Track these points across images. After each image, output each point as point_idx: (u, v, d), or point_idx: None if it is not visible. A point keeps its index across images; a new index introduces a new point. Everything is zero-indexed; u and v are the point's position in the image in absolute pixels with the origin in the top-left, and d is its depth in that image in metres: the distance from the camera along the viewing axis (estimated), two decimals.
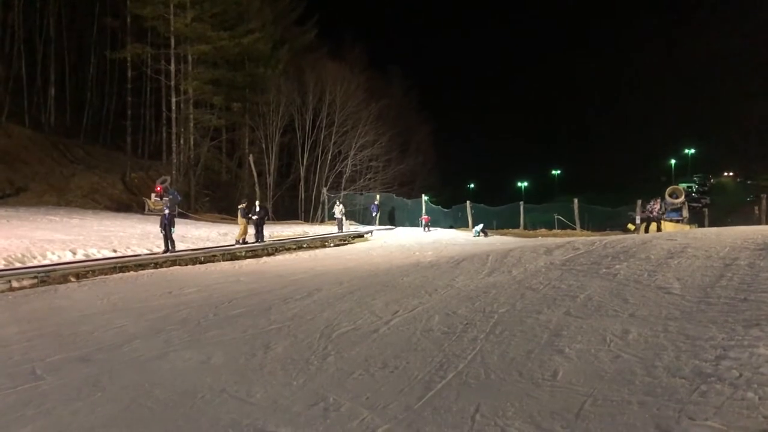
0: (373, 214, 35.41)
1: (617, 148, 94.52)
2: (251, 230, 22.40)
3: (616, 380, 4.37)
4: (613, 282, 8.09)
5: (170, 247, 18.13)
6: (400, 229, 32.04)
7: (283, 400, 4.72)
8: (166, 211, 18.55)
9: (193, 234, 22.89)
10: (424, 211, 34.89)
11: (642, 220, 24.29)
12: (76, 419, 4.66)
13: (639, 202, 28.63)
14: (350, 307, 8.45)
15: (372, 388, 4.81)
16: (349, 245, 24.22)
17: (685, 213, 26.73)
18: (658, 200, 23.40)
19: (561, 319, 6.36)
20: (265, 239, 22.42)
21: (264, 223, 22.95)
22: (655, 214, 22.82)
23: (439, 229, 32.49)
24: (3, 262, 14.90)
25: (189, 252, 18.45)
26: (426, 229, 31.32)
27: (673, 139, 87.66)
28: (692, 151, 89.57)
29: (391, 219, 36.42)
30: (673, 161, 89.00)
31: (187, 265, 17.22)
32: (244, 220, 22.05)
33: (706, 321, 5.57)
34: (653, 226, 22.63)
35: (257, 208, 22.63)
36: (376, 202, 36.00)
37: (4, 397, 5.24)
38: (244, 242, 21.29)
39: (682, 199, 26.97)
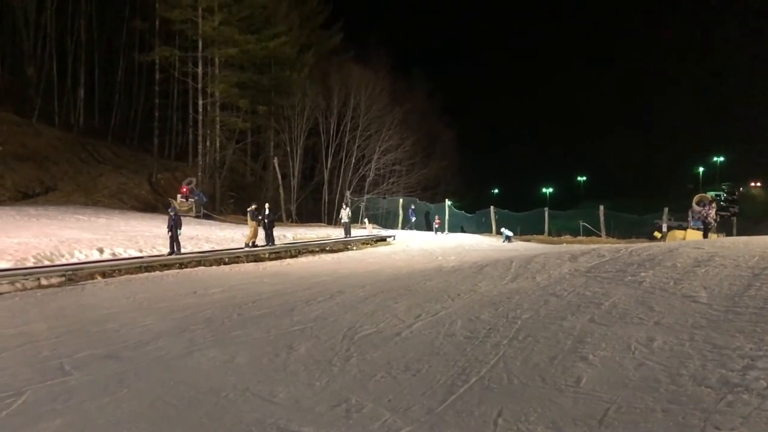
0: (412, 220, 34.46)
1: (644, 155, 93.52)
2: (261, 233, 21.91)
3: (640, 388, 4.34)
4: (639, 290, 8.00)
5: (176, 249, 17.96)
6: (423, 233, 31.93)
7: (305, 401, 4.75)
8: (172, 213, 18.35)
9: (218, 235, 23.09)
10: (447, 214, 34.83)
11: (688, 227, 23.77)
12: (103, 414, 4.74)
13: (666, 209, 28.29)
14: (373, 310, 8.47)
15: (394, 391, 4.82)
16: (371, 248, 24.25)
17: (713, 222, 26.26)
18: (713, 204, 22.87)
19: (585, 326, 6.31)
20: (275, 242, 22.00)
21: (274, 226, 22.58)
22: (709, 219, 22.37)
23: (461, 233, 32.38)
24: (32, 260, 15.17)
25: (195, 255, 18.14)
26: (437, 232, 31.22)
27: (701, 147, 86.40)
28: (721, 158, 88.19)
29: (428, 224, 35.89)
30: (701, 169, 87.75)
31: (211, 265, 17.39)
32: (254, 223, 21.63)
33: (734, 330, 5.49)
34: (685, 233, 22.21)
35: (267, 211, 22.18)
36: (413, 207, 35.15)
37: (34, 392, 5.34)
38: (254, 245, 20.82)
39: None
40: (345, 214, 27.99)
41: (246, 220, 24.16)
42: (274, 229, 22.26)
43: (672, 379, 4.43)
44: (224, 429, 4.27)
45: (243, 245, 20.75)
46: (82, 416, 4.72)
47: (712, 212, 22.47)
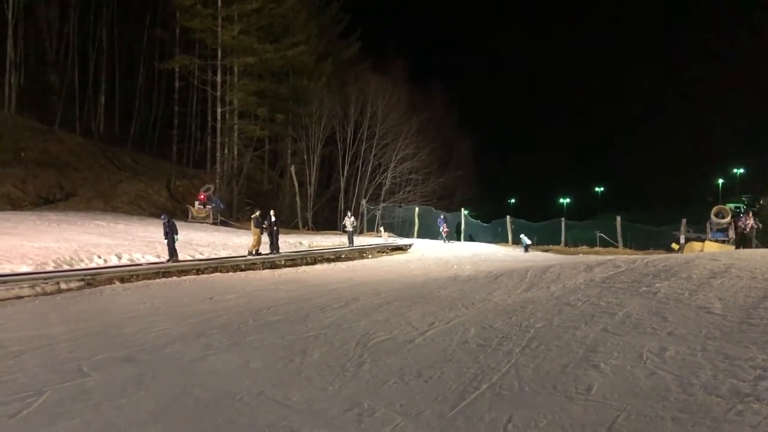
0: (444, 230, 32.47)
1: (663, 166, 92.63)
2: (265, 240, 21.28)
3: (650, 396, 4.36)
4: (653, 300, 8.00)
5: (172, 256, 17.45)
6: (439, 243, 31.85)
7: (319, 404, 4.83)
8: (165, 220, 17.91)
9: (234, 242, 23.27)
10: (462, 223, 34.76)
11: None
12: (121, 414, 4.84)
13: (684, 221, 28.07)
14: (387, 317, 8.54)
15: (406, 396, 4.88)
16: (387, 257, 24.32)
17: (731, 233, 26.03)
18: (750, 214, 22.57)
19: (598, 336, 6.33)
20: (280, 251, 21.45)
21: (279, 234, 22.05)
22: (748, 230, 22.11)
23: (471, 242, 32.30)
24: (52, 265, 15.41)
25: (194, 262, 17.99)
26: (445, 241, 31.13)
27: (721, 159, 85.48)
28: (741, 170, 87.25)
29: (458, 234, 35.37)
30: (720, 181, 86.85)
31: (228, 272, 17.54)
32: (257, 230, 20.93)
33: (747, 341, 5.50)
34: (703, 245, 22.00)
35: (272, 218, 21.59)
36: (443, 216, 33.85)
37: (54, 392, 5.46)
38: (257, 253, 20.35)
39: (728, 219, 26.30)
40: (349, 222, 27.46)
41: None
42: (280, 237, 21.77)
43: (683, 388, 4.45)
44: (239, 431, 4.35)
45: (246, 253, 20.39)
46: (100, 416, 4.83)
47: (750, 221, 22.15)
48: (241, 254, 20.29)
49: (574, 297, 8.96)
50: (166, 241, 17.64)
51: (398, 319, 8.29)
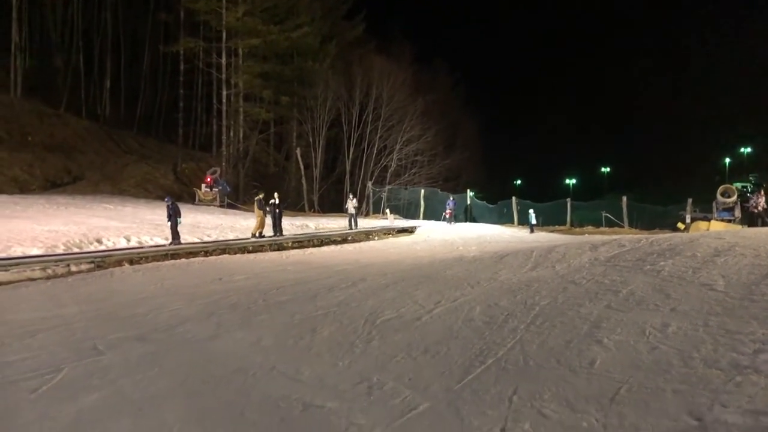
0: (447, 211, 32.39)
1: (670, 146, 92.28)
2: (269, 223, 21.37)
3: (652, 370, 4.48)
4: (657, 278, 8.09)
5: (175, 239, 17.66)
6: (445, 224, 31.92)
7: (329, 379, 4.97)
8: (169, 203, 17.86)
9: (241, 224, 23.45)
10: (467, 205, 34.82)
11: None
12: (138, 389, 5.00)
13: (689, 200, 28.10)
14: (394, 296, 8.66)
15: (414, 371, 5.02)
16: (393, 239, 24.46)
17: (737, 213, 26.08)
18: (761, 193, 22.62)
19: (602, 312, 6.44)
20: (284, 233, 21.46)
21: (282, 216, 22.05)
22: (759, 209, 22.16)
23: (473, 224, 32.38)
24: (62, 247, 15.61)
25: (197, 245, 18.01)
26: (450, 222, 31.22)
27: (729, 138, 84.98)
28: (748, 150, 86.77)
29: (467, 216, 35.40)
30: (727, 160, 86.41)
31: (236, 253, 17.71)
32: (260, 212, 21.04)
33: (748, 317, 5.59)
34: (709, 224, 22.06)
35: (276, 200, 21.59)
36: (452, 198, 33.66)
37: (71, 369, 5.63)
38: (261, 236, 20.49)
39: (734, 198, 26.34)
40: (351, 204, 27.19)
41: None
42: (286, 219, 21.82)
43: (684, 361, 4.56)
44: (253, 404, 4.50)
45: (250, 235, 20.49)
46: (118, 391, 4.99)
47: (762, 200, 22.19)
48: (248, 236, 20.45)
49: (578, 276, 9.05)
50: (169, 223, 17.73)
51: (405, 298, 8.42)
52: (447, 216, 32.12)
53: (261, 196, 21.86)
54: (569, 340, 5.50)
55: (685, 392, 3.96)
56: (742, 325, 5.32)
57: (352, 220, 26.51)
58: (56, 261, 14.15)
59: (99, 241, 16.88)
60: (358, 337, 6.35)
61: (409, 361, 5.35)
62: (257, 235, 20.50)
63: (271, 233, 21.02)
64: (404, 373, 4.96)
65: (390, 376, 4.89)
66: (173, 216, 17.60)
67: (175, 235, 17.73)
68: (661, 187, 68.58)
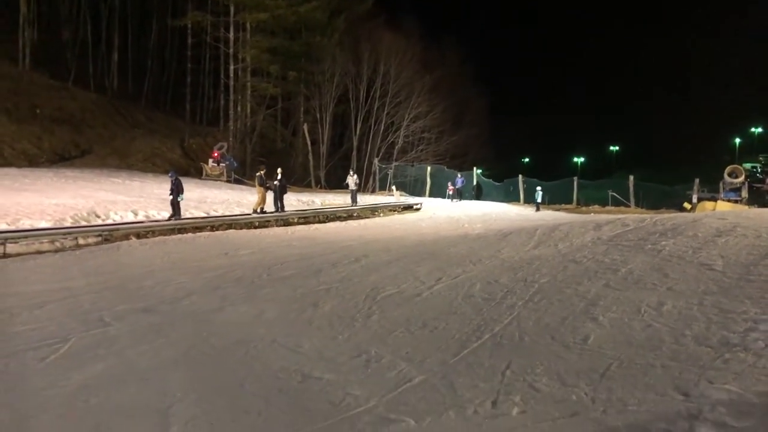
0: (457, 186, 32.51)
1: (680, 126, 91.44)
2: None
3: (644, 346, 4.58)
4: (657, 258, 8.15)
5: (176, 214, 17.59)
6: (446, 201, 31.91)
7: (328, 352, 5.10)
8: (172, 178, 17.87)
9: (248, 199, 23.55)
10: (477, 182, 34.80)
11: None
12: (143, 359, 5.15)
13: (697, 180, 28.00)
14: (396, 272, 8.78)
15: (411, 345, 5.14)
16: (398, 216, 24.56)
17: (744, 193, 26.01)
18: None
19: (599, 291, 6.53)
20: (285, 209, 21.34)
21: (285, 192, 21.86)
22: None
23: (484, 201, 32.41)
24: (70, 221, 15.78)
25: (204, 219, 18.29)
26: (452, 199, 31.23)
27: (739, 118, 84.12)
28: (759, 129, 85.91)
29: (478, 194, 35.40)
30: (737, 140, 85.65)
31: (242, 229, 17.86)
32: (261, 189, 20.91)
33: (743, 296, 5.67)
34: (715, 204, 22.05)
35: (279, 176, 21.37)
36: (460, 176, 33.60)
37: (78, 339, 5.79)
38: (262, 211, 20.42)
39: (741, 179, 26.24)
40: (352, 180, 26.85)
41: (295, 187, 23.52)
42: (293, 195, 21.64)
43: (675, 339, 4.66)
44: (253, 374, 4.63)
45: (251, 211, 20.45)
46: (123, 361, 5.14)
47: None
48: (266, 211, 20.45)
49: (580, 254, 9.12)
50: (171, 197, 17.69)
51: (407, 274, 8.53)
52: (450, 193, 32.14)
53: (262, 172, 21.84)
54: (565, 317, 5.60)
55: (673, 368, 4.05)
56: (736, 304, 5.39)
57: (353, 196, 26.39)
58: (64, 234, 14.34)
59: (106, 215, 17.05)
60: (358, 311, 6.47)
61: (407, 335, 5.47)
62: (258, 211, 20.47)
63: (272, 209, 20.98)
64: (402, 347, 5.08)
65: (388, 350, 5.02)
66: (175, 191, 17.60)
67: (176, 210, 17.69)
68: (670, 166, 68.06)
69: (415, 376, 4.33)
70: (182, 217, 17.81)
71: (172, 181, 17.84)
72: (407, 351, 4.96)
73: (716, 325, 4.86)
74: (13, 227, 14.27)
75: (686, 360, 4.18)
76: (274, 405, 4.00)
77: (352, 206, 25.11)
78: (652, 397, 3.64)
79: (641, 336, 4.84)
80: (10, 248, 12.86)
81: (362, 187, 39.91)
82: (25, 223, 14.74)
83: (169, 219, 17.44)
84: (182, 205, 17.85)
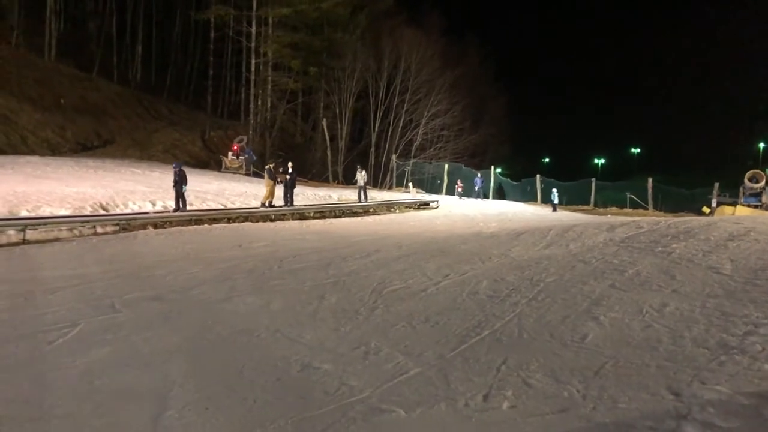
0: (477, 186, 32.57)
1: (702, 128, 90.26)
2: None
3: (641, 347, 4.59)
4: (666, 260, 8.12)
5: (181, 206, 17.60)
6: (470, 200, 31.88)
7: (329, 343, 5.17)
8: (176, 169, 17.79)
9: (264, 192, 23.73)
10: (492, 181, 34.72)
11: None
12: (147, 345, 5.27)
13: (716, 185, 27.71)
14: (404, 268, 8.83)
15: (411, 338, 5.19)
16: (414, 212, 24.62)
17: (765, 198, 25.66)
18: None
19: (604, 291, 6.53)
20: (294, 204, 21.41)
21: (294, 186, 21.77)
22: None
23: (495, 201, 32.39)
24: (89, 209, 16.06)
25: (225, 211, 18.46)
26: (461, 197, 31.17)
27: (765, 122, 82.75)
28: None
29: (500, 194, 35.33)
30: (762, 144, 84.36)
31: (258, 221, 18.03)
32: (270, 182, 20.79)
33: (747, 300, 5.65)
34: (735, 209, 21.81)
35: (289, 170, 21.56)
36: (479, 176, 33.55)
37: (87, 324, 5.92)
38: (271, 205, 20.40)
39: (762, 184, 25.90)
40: (360, 177, 26.56)
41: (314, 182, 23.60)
42: (306, 189, 21.82)
43: (674, 340, 4.66)
44: (253, 362, 4.72)
45: (259, 205, 20.42)
46: (128, 346, 5.26)
47: None
48: (274, 205, 20.61)
49: (590, 255, 9.11)
50: (175, 189, 17.60)
51: (415, 270, 8.58)
52: (459, 191, 32.13)
53: (271, 165, 21.84)
54: (566, 315, 5.62)
55: (668, 369, 4.07)
56: (738, 308, 5.38)
57: (362, 192, 26.18)
58: (83, 222, 14.60)
59: (125, 204, 17.30)
60: (363, 305, 6.54)
61: (408, 329, 5.52)
62: (266, 204, 20.44)
63: (282, 203, 20.92)
64: (401, 340, 5.14)
65: (387, 343, 5.07)
66: (179, 182, 17.51)
67: (180, 202, 17.62)
68: (692, 170, 67.26)
69: (411, 369, 4.39)
70: (187, 208, 17.79)
71: (176, 172, 17.76)
72: (406, 344, 5.02)
73: (716, 328, 4.86)
74: (33, 214, 14.54)
75: (682, 361, 4.19)
76: (271, 393, 4.08)
77: (365, 202, 25.08)
78: (643, 396, 3.66)
79: (640, 336, 4.85)
80: (30, 234, 13.12)
81: (379, 184, 40.04)
82: (46, 211, 15.01)
83: (174, 211, 17.42)
84: (199, 196, 17.99)
